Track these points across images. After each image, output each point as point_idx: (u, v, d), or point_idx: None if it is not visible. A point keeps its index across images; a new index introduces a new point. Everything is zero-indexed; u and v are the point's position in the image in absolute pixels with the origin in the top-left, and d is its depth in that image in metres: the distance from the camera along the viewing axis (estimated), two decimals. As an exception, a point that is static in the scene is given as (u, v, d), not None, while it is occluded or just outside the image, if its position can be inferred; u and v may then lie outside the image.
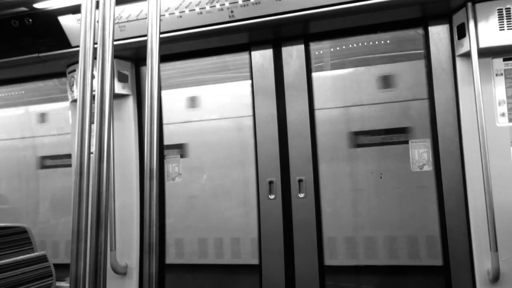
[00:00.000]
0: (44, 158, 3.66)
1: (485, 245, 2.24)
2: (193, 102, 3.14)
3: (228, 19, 2.55)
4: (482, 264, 2.29)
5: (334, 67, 2.85)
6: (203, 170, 3.07)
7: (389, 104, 2.71)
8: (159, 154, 1.42)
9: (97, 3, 1.52)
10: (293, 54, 2.79)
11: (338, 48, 2.86)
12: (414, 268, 2.62)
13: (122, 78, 3.01)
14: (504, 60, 2.34)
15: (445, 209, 2.48)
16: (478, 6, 2.28)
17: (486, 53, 2.31)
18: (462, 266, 2.41)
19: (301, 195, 2.72)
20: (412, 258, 2.62)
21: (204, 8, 2.56)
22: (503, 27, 2.23)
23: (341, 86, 2.81)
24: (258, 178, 2.81)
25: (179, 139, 3.14)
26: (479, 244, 2.31)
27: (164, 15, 2.61)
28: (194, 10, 2.58)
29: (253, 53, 2.87)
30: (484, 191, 2.21)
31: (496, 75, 2.34)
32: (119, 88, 2.97)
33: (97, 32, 1.49)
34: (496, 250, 2.18)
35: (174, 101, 3.18)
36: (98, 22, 1.50)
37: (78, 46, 1.52)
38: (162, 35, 1.46)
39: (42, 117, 3.70)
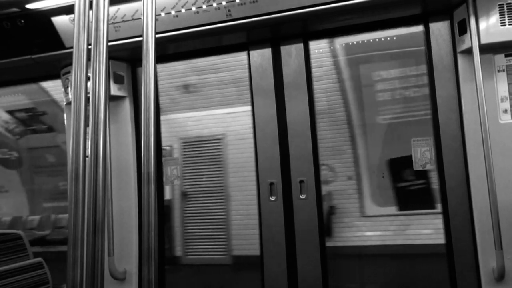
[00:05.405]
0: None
1: (490, 243, 2.21)
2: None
3: (225, 18, 2.51)
4: (487, 263, 2.26)
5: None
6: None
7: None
8: (157, 157, 1.38)
9: (91, 3, 1.47)
10: (292, 53, 2.75)
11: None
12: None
13: (118, 80, 2.96)
14: (506, 56, 2.31)
15: (449, 207, 2.45)
16: (479, 1, 2.25)
17: (487, 49, 2.28)
18: (467, 265, 2.39)
19: (302, 197, 2.67)
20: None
21: (201, 7, 2.51)
22: (505, 22, 2.20)
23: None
24: (259, 179, 2.77)
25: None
26: (483, 242, 2.28)
27: (160, 14, 2.56)
28: (190, 9, 2.53)
29: (251, 52, 2.83)
30: (488, 189, 2.18)
31: (498, 71, 2.31)
32: (115, 90, 2.92)
33: (91, 33, 1.45)
34: (501, 248, 2.16)
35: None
36: (92, 22, 1.46)
37: (71, 48, 1.47)
38: (158, 35, 1.43)
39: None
